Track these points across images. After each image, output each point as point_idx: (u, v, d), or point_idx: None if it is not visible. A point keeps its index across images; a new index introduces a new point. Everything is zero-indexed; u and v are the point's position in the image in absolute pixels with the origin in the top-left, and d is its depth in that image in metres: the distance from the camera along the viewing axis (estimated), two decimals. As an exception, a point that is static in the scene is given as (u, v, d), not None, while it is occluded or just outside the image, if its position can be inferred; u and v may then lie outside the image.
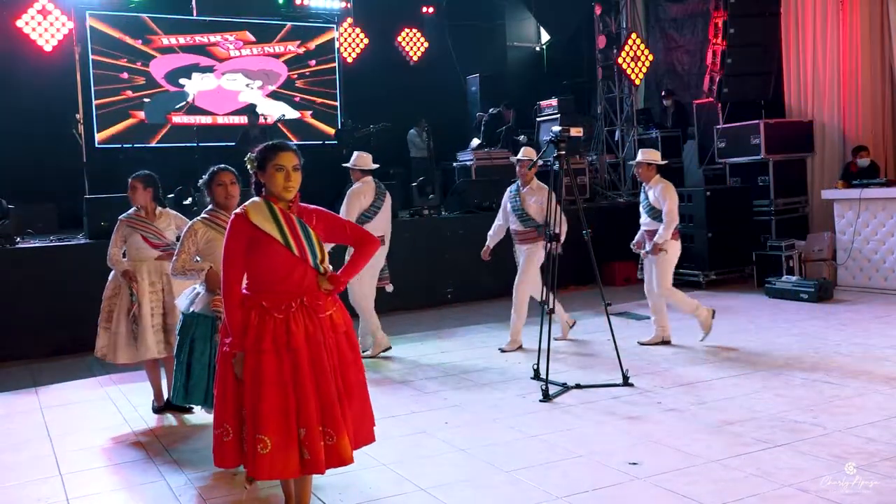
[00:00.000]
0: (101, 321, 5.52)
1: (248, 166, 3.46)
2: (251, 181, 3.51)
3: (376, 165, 7.01)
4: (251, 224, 3.34)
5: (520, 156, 7.08)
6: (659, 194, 6.71)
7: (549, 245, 6.03)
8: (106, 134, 11.86)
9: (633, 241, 7.04)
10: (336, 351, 3.42)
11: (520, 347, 6.93)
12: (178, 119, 12.37)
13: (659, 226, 6.70)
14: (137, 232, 5.45)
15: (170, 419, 5.38)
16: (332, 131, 13.16)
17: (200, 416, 5.20)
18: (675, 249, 6.82)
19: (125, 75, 12.01)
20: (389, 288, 7.02)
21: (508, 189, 7.19)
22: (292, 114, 13.11)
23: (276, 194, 3.39)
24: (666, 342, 6.94)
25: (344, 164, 7.08)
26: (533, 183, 6.96)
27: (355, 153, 7.06)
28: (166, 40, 12.30)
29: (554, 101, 11.99)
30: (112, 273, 5.55)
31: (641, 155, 6.92)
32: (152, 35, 12.20)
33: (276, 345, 3.30)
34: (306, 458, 3.29)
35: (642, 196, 6.96)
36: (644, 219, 6.94)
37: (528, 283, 6.96)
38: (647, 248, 6.80)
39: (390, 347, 6.99)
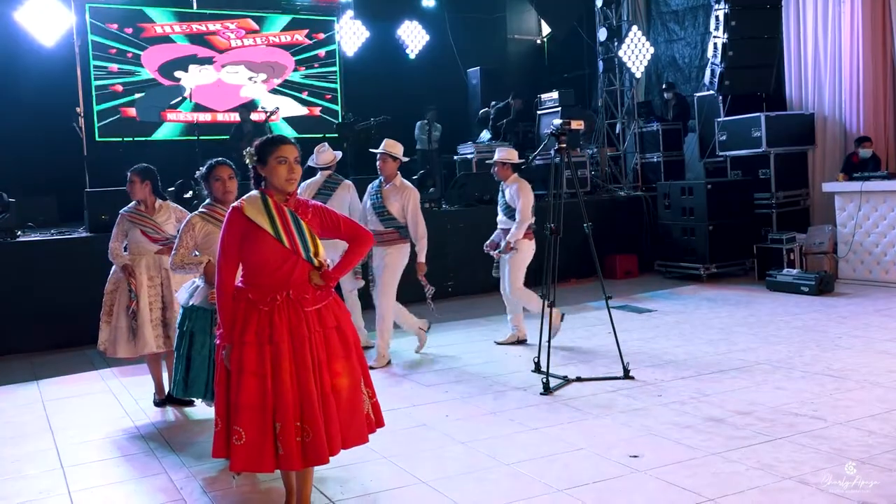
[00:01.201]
0: (103, 315, 5.54)
1: (248, 161, 3.46)
2: (250, 175, 3.52)
3: (331, 157, 6.76)
4: (245, 217, 3.36)
5: (381, 149, 6.46)
6: (514, 193, 6.62)
7: (549, 238, 6.03)
8: (106, 127, 11.82)
9: (487, 242, 6.82)
10: (323, 346, 3.41)
11: (389, 363, 6.39)
12: (172, 116, 12.20)
13: (514, 224, 6.63)
14: (137, 227, 5.46)
15: (171, 412, 5.39)
16: (332, 125, 13.13)
17: (202, 409, 5.21)
18: (527, 249, 6.72)
19: (119, 69, 11.89)
20: (359, 284, 6.89)
21: (370, 185, 6.63)
22: (290, 107, 13.06)
23: (278, 187, 3.41)
24: (521, 342, 6.87)
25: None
26: (396, 180, 6.44)
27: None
28: (160, 29, 12.15)
29: (555, 94, 11.95)
30: (113, 267, 5.56)
31: (498, 153, 6.82)
32: (146, 24, 12.03)
33: (259, 337, 3.31)
34: (281, 453, 3.29)
35: (500, 195, 6.87)
36: (500, 217, 6.86)
37: (390, 294, 6.39)
38: (501, 247, 6.70)
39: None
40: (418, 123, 12.38)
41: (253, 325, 3.33)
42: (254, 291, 3.36)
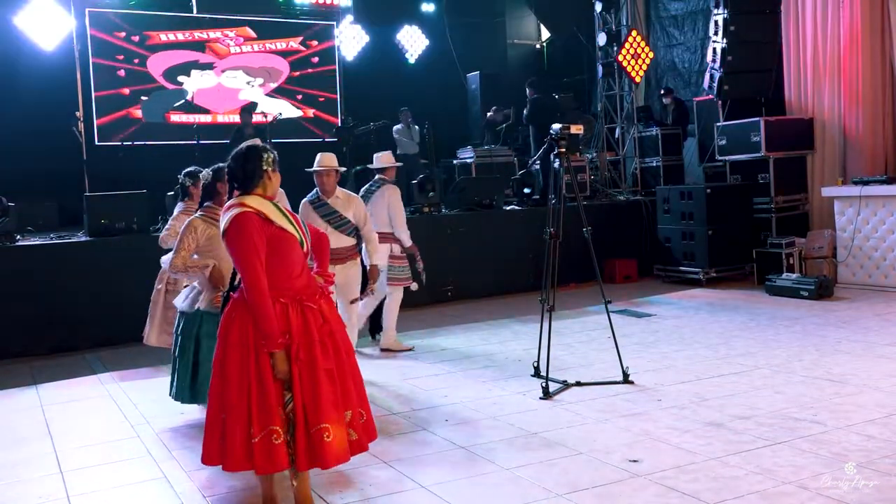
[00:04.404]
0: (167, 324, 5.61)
1: (266, 164, 3.46)
2: (239, 176, 3.49)
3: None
4: (268, 221, 3.39)
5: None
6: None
7: (549, 243, 6.03)
8: (106, 132, 11.83)
9: None
10: (342, 341, 3.59)
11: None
12: (176, 118, 12.30)
13: None
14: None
15: (170, 417, 5.38)
16: (332, 129, 13.13)
17: (201, 414, 5.19)
18: None
19: (123, 73, 11.94)
20: (410, 285, 7.13)
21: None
22: (291, 112, 13.08)
23: (271, 193, 3.54)
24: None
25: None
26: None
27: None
28: (164, 36, 12.22)
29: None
30: (166, 273, 5.57)
31: (323, 159, 6.18)
32: (150, 31, 12.11)
33: (321, 334, 3.43)
34: (353, 438, 3.44)
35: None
36: None
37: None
38: None
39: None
40: (395, 128, 12.24)
41: (313, 325, 3.42)
42: (284, 295, 3.41)
